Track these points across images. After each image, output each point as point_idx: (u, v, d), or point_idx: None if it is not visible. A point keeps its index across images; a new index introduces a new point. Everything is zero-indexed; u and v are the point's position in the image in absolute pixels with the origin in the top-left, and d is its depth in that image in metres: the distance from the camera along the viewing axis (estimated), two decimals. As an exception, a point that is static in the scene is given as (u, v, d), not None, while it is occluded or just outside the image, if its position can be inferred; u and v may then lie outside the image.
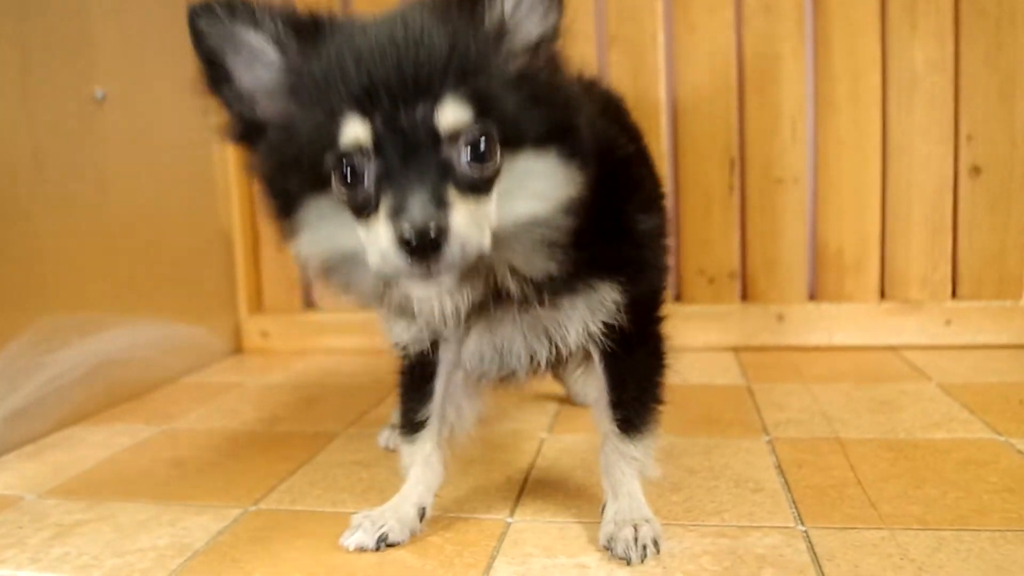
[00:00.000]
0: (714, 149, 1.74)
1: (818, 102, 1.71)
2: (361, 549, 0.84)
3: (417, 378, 0.93)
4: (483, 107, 0.68)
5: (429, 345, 0.88)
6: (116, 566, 0.83)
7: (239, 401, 1.49)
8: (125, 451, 1.22)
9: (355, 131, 0.67)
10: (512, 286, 0.76)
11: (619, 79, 1.74)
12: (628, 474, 0.87)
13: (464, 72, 0.68)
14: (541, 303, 0.79)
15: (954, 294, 1.70)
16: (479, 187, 0.68)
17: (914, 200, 1.69)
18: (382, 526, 0.86)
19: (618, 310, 0.82)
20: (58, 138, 1.35)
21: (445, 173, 0.67)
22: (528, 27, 0.73)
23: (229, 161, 1.88)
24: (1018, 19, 1.60)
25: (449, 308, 0.76)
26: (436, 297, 0.75)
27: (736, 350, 1.73)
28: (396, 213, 0.65)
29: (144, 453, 1.21)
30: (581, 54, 1.71)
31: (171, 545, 0.88)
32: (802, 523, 0.87)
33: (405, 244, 0.64)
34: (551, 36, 0.74)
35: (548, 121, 0.72)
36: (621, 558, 0.80)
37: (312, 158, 0.69)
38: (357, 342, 1.87)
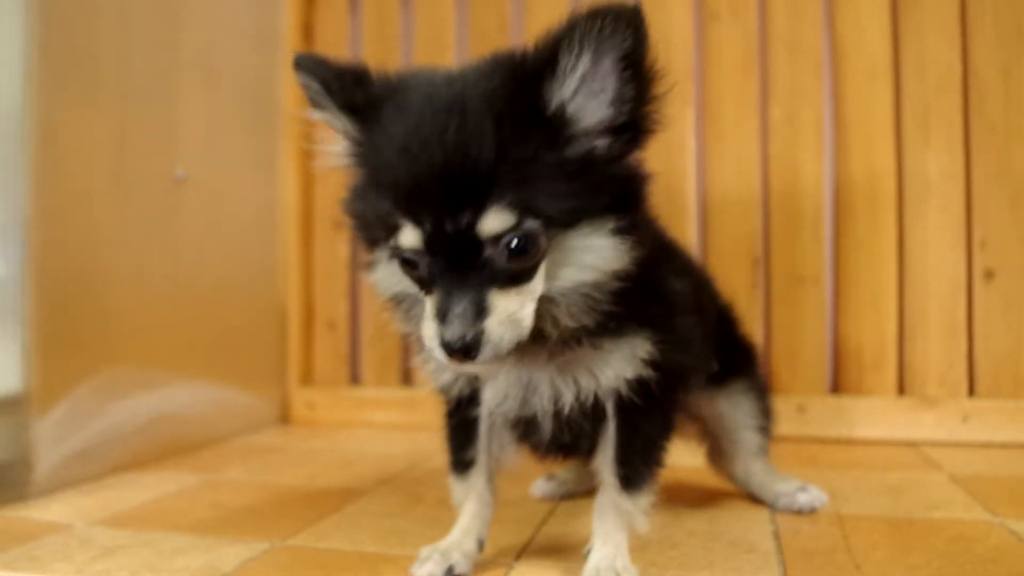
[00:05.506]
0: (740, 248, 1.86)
1: (838, 207, 1.82)
2: None
3: (461, 419, 0.99)
4: (527, 208, 0.73)
5: (468, 387, 0.95)
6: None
7: (281, 461, 1.60)
8: (171, 494, 1.33)
9: (408, 238, 0.75)
10: (552, 332, 0.82)
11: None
12: (618, 525, 0.93)
13: (510, 177, 0.72)
14: (578, 344, 0.85)
15: (971, 392, 1.76)
16: (520, 277, 0.75)
17: (930, 301, 1.77)
18: (449, 560, 0.92)
19: (645, 365, 0.87)
20: (141, 211, 1.53)
21: (486, 273, 0.74)
22: (593, 111, 0.76)
23: (291, 243, 2.05)
24: (1025, 134, 1.71)
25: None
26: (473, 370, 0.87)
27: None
28: (440, 316, 0.74)
29: (188, 496, 1.32)
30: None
31: (204, 567, 0.97)
32: (786, 577, 0.94)
33: (446, 346, 0.74)
34: (621, 118, 0.77)
35: (606, 198, 0.76)
36: None
37: (382, 228, 0.78)
38: (398, 417, 1.99)
